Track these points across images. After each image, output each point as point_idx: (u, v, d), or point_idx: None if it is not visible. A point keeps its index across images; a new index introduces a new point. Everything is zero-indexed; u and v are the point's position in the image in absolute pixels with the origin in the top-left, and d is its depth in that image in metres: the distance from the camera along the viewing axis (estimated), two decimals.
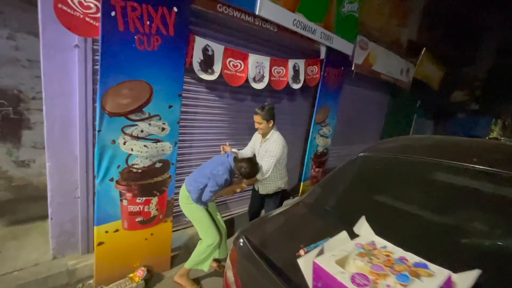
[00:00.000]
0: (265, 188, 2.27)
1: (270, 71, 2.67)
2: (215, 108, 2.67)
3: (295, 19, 2.63)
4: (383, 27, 4.43)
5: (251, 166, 1.88)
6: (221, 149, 2.36)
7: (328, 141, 3.77)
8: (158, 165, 2.08)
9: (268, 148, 2.07)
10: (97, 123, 1.73)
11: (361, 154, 1.57)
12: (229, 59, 2.35)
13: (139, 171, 1.99)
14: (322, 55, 3.21)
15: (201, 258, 2.03)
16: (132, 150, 1.92)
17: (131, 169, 1.95)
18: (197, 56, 2.16)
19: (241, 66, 2.44)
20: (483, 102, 9.50)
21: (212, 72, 2.29)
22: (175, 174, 2.19)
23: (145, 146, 1.97)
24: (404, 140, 1.65)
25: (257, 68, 2.55)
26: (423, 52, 5.36)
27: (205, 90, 2.54)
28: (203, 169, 1.99)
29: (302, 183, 3.67)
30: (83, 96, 1.86)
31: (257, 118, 2.06)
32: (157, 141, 2.02)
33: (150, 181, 2.07)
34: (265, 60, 2.61)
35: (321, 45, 3.15)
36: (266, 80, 2.66)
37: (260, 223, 1.48)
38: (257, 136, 2.31)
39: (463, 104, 9.19)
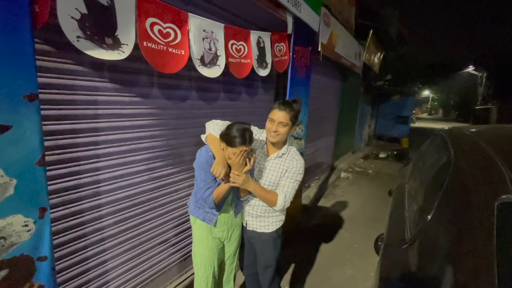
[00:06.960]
0: (260, 222, 1.42)
1: (227, 47, 1.62)
2: (138, 118, 1.47)
3: None
4: (337, 2, 3.83)
5: (239, 124, 1.18)
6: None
7: (302, 144, 2.95)
8: None
9: (289, 167, 1.35)
10: None
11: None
12: (151, 19, 1.19)
13: None
14: (290, 29, 2.31)
15: None
16: None
17: None
18: (69, 5, 0.95)
19: (176, 35, 1.31)
20: (393, 84, 11.07)
21: (116, 45, 1.09)
22: (56, 283, 0.97)
23: None
24: None
25: (205, 41, 1.46)
26: (370, 34, 5.10)
27: (111, 86, 1.33)
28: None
29: None
30: None
31: (280, 117, 1.26)
32: None
33: None
34: (217, 28, 1.54)
35: (288, 15, 2.25)
36: (222, 62, 1.59)
37: None
38: (260, 149, 1.43)
39: (382, 86, 10.33)
